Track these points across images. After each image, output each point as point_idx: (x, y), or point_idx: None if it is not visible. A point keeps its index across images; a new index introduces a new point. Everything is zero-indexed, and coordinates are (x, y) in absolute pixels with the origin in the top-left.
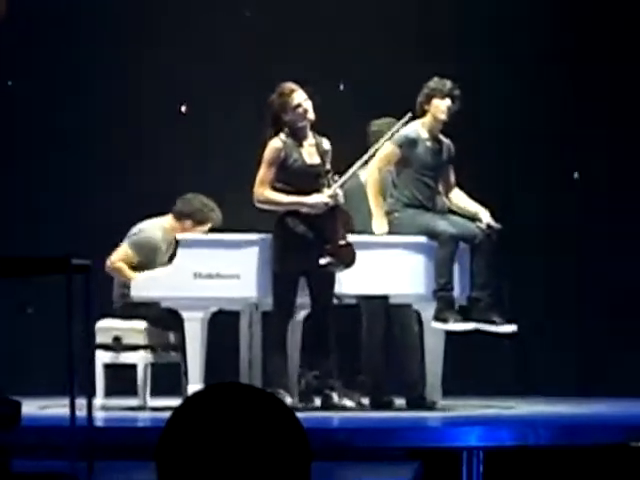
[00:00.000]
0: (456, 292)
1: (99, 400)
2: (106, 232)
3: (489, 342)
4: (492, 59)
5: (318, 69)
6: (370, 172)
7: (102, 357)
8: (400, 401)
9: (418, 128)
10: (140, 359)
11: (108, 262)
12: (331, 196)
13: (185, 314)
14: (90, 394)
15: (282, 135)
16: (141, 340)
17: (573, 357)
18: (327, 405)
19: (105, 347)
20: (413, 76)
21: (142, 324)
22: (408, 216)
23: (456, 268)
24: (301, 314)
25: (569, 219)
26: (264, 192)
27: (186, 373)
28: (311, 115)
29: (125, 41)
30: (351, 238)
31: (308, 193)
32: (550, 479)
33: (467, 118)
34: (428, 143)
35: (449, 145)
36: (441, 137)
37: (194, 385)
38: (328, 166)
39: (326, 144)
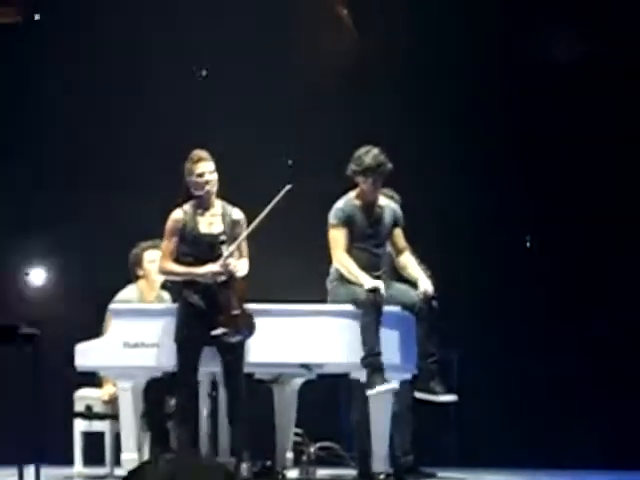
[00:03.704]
0: (406, 361)
1: (77, 468)
2: None
3: (432, 411)
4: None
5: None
6: (339, 260)
7: (79, 425)
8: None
9: (351, 199)
10: (107, 428)
11: None
12: (222, 266)
13: (118, 383)
14: (38, 462)
15: (186, 205)
16: (109, 409)
17: (518, 427)
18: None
19: (81, 415)
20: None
21: (110, 393)
22: (339, 285)
23: (397, 337)
24: (296, 382)
25: (516, 288)
26: (163, 264)
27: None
28: (210, 187)
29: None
30: (277, 306)
31: (209, 262)
32: None
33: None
34: (364, 213)
35: (393, 209)
36: (382, 202)
37: (127, 454)
38: (223, 237)
39: (236, 214)
